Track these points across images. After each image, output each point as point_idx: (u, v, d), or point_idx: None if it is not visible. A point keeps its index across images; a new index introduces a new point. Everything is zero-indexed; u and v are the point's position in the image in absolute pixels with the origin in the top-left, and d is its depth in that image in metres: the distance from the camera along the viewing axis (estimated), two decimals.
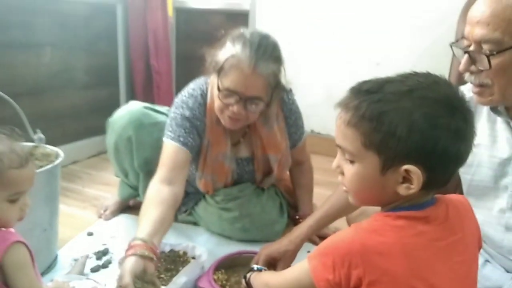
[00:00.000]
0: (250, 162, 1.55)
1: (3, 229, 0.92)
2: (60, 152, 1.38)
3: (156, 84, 2.74)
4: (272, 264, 1.23)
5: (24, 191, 0.88)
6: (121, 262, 1.03)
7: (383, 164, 0.68)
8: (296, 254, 1.24)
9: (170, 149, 1.34)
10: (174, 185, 1.27)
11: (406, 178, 0.68)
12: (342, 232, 0.72)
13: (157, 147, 1.40)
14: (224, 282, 1.25)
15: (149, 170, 1.52)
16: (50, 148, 1.41)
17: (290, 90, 1.45)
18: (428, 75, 0.71)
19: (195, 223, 1.68)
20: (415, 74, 0.71)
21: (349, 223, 1.38)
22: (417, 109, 0.65)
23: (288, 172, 1.73)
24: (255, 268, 1.09)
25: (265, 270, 1.10)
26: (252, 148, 1.53)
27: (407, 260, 0.66)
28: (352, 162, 0.73)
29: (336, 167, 0.79)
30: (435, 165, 0.67)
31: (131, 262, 1.00)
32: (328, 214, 1.24)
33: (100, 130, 1.96)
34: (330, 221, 1.28)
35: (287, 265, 1.22)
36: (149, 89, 2.74)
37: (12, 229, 0.94)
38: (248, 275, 1.04)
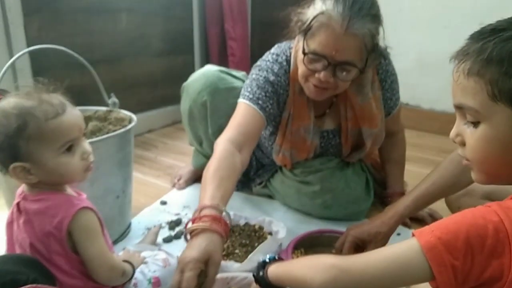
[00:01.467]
0: (336, 135, 1.39)
1: (73, 194, 0.87)
2: (133, 117, 1.32)
3: (231, 52, 2.64)
4: (360, 247, 1.07)
5: (75, 138, 0.82)
6: (188, 232, 0.91)
7: None
8: (389, 238, 1.08)
9: (246, 111, 1.21)
10: (243, 153, 1.13)
11: None
12: (476, 210, 0.56)
13: (232, 115, 1.29)
14: None
15: None
16: (123, 112, 1.37)
17: (386, 48, 1.24)
18: None
19: (270, 197, 1.57)
20: None
21: (449, 205, 1.18)
22: None
23: None
24: (267, 259, 0.82)
25: (278, 259, 0.84)
26: (339, 120, 1.36)
27: None
28: (476, 124, 0.59)
29: (454, 136, 0.63)
30: None
31: (205, 242, 0.86)
32: (429, 193, 1.05)
33: (174, 99, 1.90)
34: (431, 201, 1.09)
35: None
36: (224, 56, 2.66)
37: (83, 195, 0.89)
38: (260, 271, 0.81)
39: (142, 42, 2.29)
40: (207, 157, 1.63)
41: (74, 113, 0.83)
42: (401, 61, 2.39)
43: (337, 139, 1.38)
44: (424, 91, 2.40)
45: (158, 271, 1.00)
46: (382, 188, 1.52)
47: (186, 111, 1.50)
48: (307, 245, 1.18)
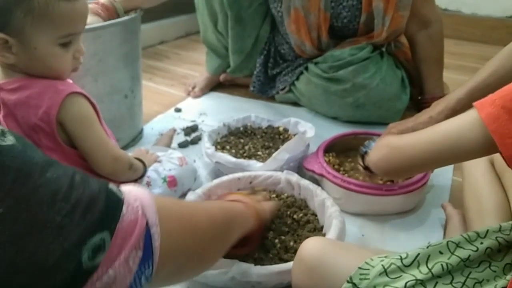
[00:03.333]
0: None
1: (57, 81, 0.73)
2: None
3: None
4: None
5: (78, 32, 0.70)
6: None
7: None
8: None
9: None
10: None
11: None
12: None
13: None
14: (336, 166, 1.00)
15: (238, 13, 1.33)
16: None
17: None
18: None
19: (295, 103, 1.43)
20: None
21: None
22: None
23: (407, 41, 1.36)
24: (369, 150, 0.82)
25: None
26: None
27: None
28: None
29: None
30: None
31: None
32: (488, 84, 0.87)
33: (187, 8, 1.71)
34: (489, 93, 0.91)
35: None
36: None
37: (69, 80, 0.76)
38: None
39: None
40: (222, 57, 1.50)
41: (86, 4, 0.71)
42: None
43: (350, 0, 1.22)
44: None
45: (174, 169, 0.91)
46: (417, 92, 1.35)
47: None
48: (339, 149, 1.05)
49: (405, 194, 0.87)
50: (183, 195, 0.93)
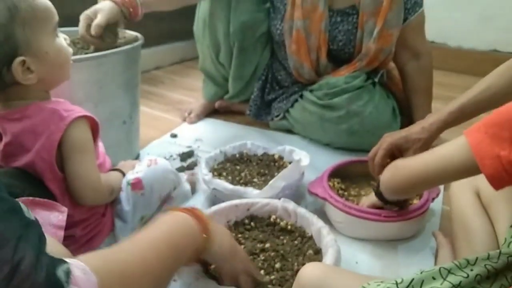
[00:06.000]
0: (345, 18, 1.28)
1: (58, 100, 0.77)
2: (139, 36, 1.20)
3: None
4: (396, 156, 0.96)
5: (57, 18, 0.74)
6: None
7: None
8: (430, 146, 0.96)
9: None
10: None
11: None
12: None
13: (255, 11, 1.31)
14: (341, 191, 1.03)
15: (242, 43, 1.38)
16: (129, 32, 1.25)
17: None
18: None
19: (288, 130, 1.46)
20: None
21: None
22: None
23: (398, 73, 1.41)
24: None
25: None
26: (353, 1, 1.25)
27: None
28: None
29: None
30: None
31: (108, 6, 1.01)
32: (480, 100, 0.88)
33: (183, 35, 1.75)
34: (481, 110, 0.90)
35: None
36: None
37: (67, 102, 0.78)
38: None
39: None
40: (219, 85, 1.53)
41: None
42: None
43: (345, 25, 1.28)
44: (451, 27, 2.22)
45: (140, 171, 0.87)
46: (408, 123, 1.40)
47: (207, 11, 1.39)
48: (345, 174, 1.08)
49: (404, 221, 0.90)
50: (163, 202, 0.91)
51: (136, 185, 0.85)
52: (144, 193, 0.85)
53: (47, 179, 0.73)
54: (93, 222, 0.81)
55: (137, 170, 0.87)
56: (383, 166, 0.88)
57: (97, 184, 0.77)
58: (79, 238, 0.78)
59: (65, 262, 0.39)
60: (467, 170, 0.58)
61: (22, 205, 0.40)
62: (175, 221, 0.59)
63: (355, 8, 1.26)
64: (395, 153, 0.95)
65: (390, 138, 0.96)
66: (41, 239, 0.39)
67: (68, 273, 0.38)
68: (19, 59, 0.66)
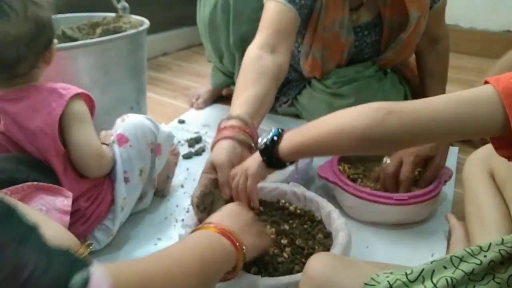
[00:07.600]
0: (372, 30, 1.21)
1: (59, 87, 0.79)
2: (145, 21, 1.19)
3: None
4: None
5: None
6: (212, 147, 0.79)
7: None
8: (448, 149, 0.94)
9: (274, 8, 1.04)
10: (278, 54, 0.97)
11: None
12: None
13: (255, 21, 1.11)
14: (351, 176, 1.02)
15: (244, 53, 1.30)
16: (134, 17, 1.24)
17: None
18: None
19: (297, 116, 1.44)
20: None
21: None
22: None
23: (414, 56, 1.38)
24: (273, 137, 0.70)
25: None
26: (377, 9, 1.17)
27: None
28: None
29: None
30: None
31: (226, 148, 0.74)
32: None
33: (190, 20, 1.73)
34: None
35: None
36: None
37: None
38: None
39: None
40: (227, 74, 1.51)
41: None
42: None
43: (373, 36, 1.21)
44: (464, 7, 2.17)
45: (119, 128, 0.88)
46: None
47: (206, 18, 1.34)
48: (354, 158, 1.07)
49: (416, 205, 0.88)
50: (155, 152, 0.90)
51: (121, 139, 0.86)
52: (132, 144, 0.86)
53: (50, 155, 0.75)
54: (95, 192, 0.82)
55: (115, 130, 0.88)
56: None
57: (100, 150, 0.80)
58: (84, 211, 0.79)
59: (85, 266, 0.36)
60: (490, 122, 0.49)
61: (20, 208, 0.37)
62: (209, 241, 0.58)
63: (380, 16, 1.19)
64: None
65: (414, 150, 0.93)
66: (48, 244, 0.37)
67: (86, 279, 0.35)
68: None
